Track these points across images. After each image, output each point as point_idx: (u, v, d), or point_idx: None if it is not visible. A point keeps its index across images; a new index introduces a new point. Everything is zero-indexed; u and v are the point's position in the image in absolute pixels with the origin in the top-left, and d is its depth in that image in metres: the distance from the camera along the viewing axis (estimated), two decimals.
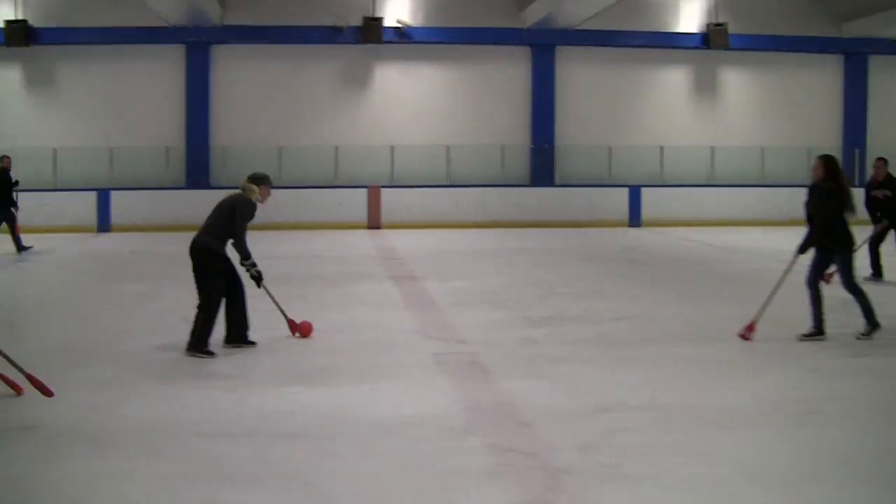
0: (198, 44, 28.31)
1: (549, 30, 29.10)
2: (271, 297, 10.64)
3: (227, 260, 9.92)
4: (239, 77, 28.86)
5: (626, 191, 28.87)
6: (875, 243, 15.28)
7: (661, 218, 28.36)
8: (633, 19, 30.11)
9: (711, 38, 29.73)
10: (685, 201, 29.10)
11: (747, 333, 10.40)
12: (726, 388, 8.43)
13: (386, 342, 10.46)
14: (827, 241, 10.45)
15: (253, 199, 9.98)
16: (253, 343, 9.99)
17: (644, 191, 28.76)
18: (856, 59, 31.77)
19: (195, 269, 9.80)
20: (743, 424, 7.10)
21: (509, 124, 30.10)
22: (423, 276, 16.28)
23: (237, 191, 10.11)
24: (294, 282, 14.84)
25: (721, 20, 29.70)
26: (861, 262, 15.14)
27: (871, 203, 15.26)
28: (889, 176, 15.14)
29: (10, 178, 19.89)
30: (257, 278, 10.11)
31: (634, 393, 8.06)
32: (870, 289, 12.71)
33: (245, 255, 9.89)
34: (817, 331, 10.52)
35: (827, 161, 10.56)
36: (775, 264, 10.78)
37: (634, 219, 28.56)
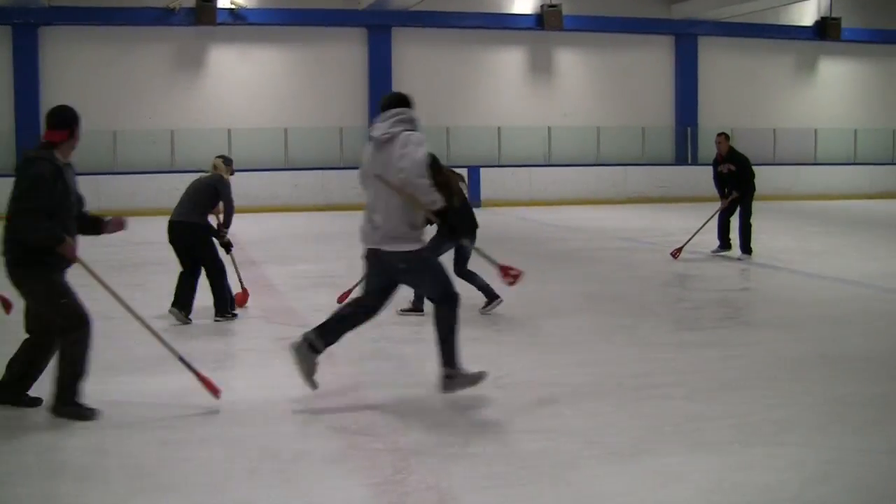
0: (24, 25, 27.31)
1: (385, 11, 29.13)
2: (234, 266, 11.33)
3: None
4: (69, 60, 27.98)
5: (464, 171, 28.94)
6: (724, 216, 15.57)
7: (500, 198, 28.67)
8: (469, 0, 30.34)
9: (546, 19, 30.20)
10: (523, 181, 29.51)
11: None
12: (567, 364, 8.57)
13: (227, 328, 10.32)
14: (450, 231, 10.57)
15: (226, 176, 10.77)
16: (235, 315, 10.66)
17: (482, 171, 28.98)
18: (686, 39, 32.71)
19: (187, 248, 10.45)
20: (585, 399, 7.22)
21: (347, 106, 30.04)
22: (263, 260, 16.09)
23: (205, 173, 10.96)
24: (131, 269, 14.54)
25: (555, 1, 30.14)
26: (707, 237, 15.56)
27: (718, 178, 15.61)
28: (731, 150, 15.46)
29: None
30: (227, 245, 10.96)
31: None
32: (714, 262, 13.07)
33: (228, 225, 10.84)
34: (491, 298, 10.81)
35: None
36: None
37: (473, 199, 28.50)
